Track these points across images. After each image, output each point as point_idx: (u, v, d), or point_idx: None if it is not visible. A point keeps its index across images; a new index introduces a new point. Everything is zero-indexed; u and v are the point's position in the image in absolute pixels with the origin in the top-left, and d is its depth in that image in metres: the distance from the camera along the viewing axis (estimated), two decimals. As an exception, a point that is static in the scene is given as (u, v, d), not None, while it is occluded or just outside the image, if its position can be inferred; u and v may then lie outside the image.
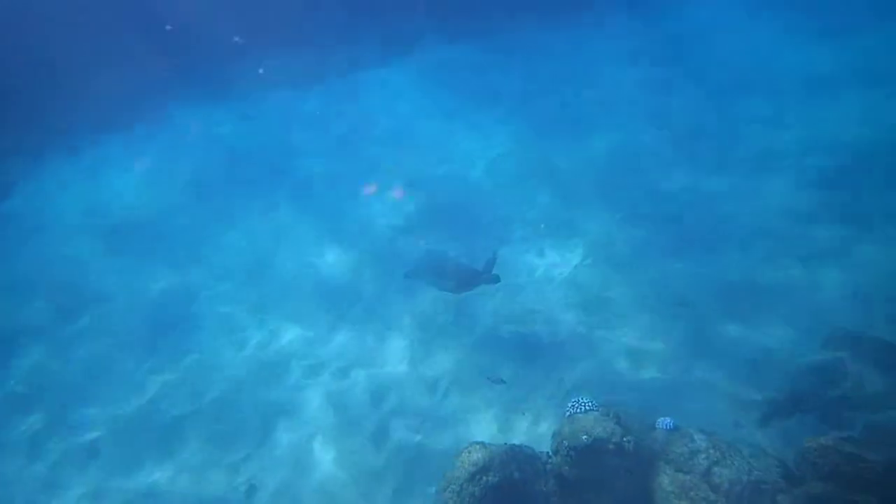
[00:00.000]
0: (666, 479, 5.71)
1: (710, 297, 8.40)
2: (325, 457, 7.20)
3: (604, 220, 10.18)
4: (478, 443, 6.04)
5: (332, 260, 10.22)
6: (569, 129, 12.85)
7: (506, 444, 6.08)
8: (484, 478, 5.67)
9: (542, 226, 10.06)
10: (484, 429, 7.22)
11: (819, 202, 9.72)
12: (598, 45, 16.35)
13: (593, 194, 10.75)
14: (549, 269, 9.44)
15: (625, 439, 5.79)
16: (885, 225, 9.06)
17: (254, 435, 7.55)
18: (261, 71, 14.97)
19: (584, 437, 5.79)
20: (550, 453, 6.06)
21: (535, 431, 7.08)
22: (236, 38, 14.26)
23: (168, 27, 14.10)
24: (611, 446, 5.74)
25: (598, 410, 6.15)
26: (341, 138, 13.67)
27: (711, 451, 5.82)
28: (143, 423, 7.88)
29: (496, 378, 7.43)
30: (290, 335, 8.89)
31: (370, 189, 11.58)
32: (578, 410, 6.17)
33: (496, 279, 7.88)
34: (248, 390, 8.14)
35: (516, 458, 5.92)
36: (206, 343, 8.95)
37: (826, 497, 5.27)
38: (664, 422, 6.15)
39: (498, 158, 12.21)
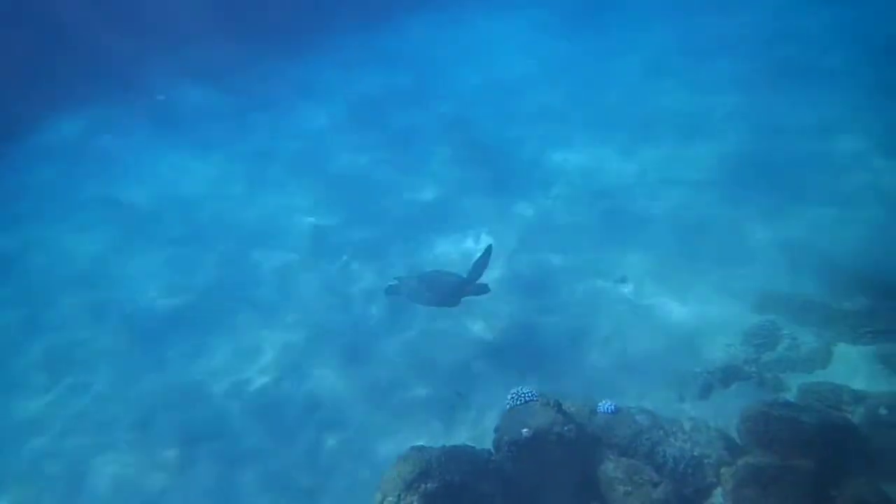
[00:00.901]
0: (610, 465, 5.51)
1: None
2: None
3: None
4: (415, 447, 5.70)
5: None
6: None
7: (444, 445, 5.76)
8: (422, 485, 5.32)
9: None
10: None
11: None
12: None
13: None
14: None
15: (566, 428, 5.56)
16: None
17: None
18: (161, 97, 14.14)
19: (525, 430, 5.53)
20: (492, 450, 5.79)
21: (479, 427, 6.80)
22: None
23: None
24: (552, 437, 5.50)
25: (538, 400, 5.91)
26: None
27: (654, 430, 5.69)
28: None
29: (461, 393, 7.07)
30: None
31: None
32: (518, 402, 5.93)
33: (485, 289, 6.73)
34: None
35: (457, 460, 5.60)
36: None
37: (766, 465, 5.20)
38: (605, 405, 5.97)
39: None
